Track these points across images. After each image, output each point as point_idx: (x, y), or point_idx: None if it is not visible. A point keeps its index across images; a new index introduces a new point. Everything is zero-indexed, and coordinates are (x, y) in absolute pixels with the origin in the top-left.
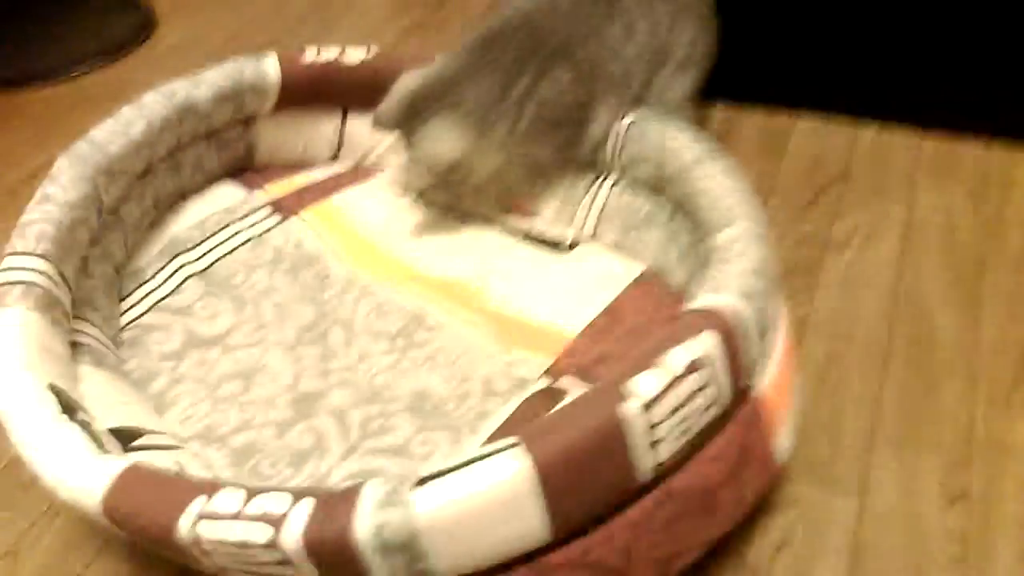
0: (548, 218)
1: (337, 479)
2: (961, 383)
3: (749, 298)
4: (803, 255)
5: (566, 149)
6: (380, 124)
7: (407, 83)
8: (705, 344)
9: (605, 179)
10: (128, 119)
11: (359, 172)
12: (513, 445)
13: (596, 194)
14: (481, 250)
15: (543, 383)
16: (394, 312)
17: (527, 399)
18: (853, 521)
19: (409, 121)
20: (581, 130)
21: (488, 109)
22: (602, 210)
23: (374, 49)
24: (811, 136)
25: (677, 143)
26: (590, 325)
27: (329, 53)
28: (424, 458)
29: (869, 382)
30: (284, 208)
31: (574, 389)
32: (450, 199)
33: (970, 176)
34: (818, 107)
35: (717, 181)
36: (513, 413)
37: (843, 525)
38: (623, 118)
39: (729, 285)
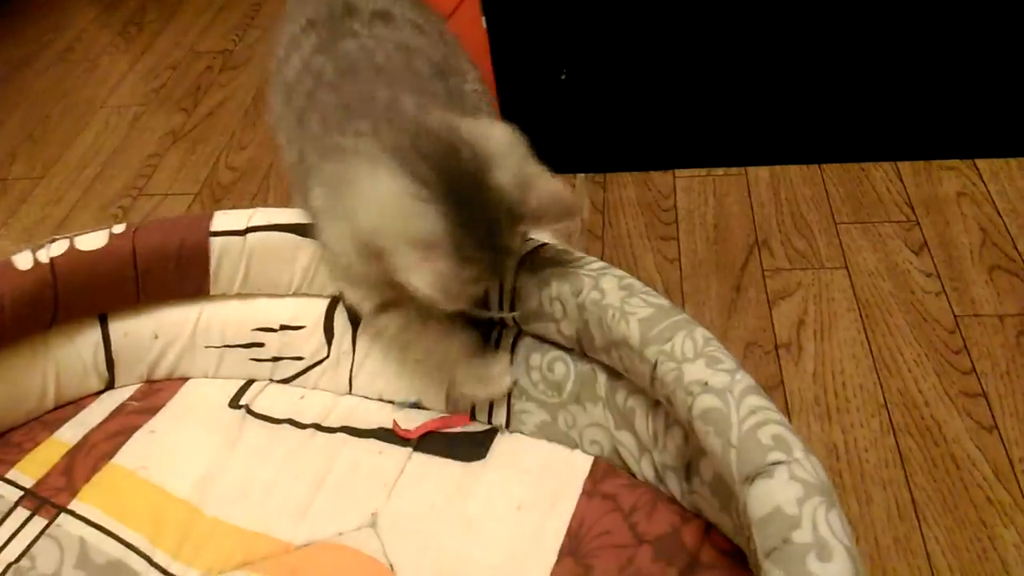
0: (437, 402)
1: None
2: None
3: None
4: (754, 373)
5: None
6: None
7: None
8: None
9: (499, 336)
10: None
11: (149, 395)
12: None
13: None
14: (362, 481)
15: None
16: None
17: None
18: None
19: None
20: None
21: None
22: (511, 384)
23: (119, 227)
24: (699, 194)
25: (603, 302)
26: None
27: (55, 248)
28: None
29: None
30: (48, 499)
31: None
32: None
33: (891, 208)
34: (696, 163)
35: (701, 377)
36: None
37: None
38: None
39: None
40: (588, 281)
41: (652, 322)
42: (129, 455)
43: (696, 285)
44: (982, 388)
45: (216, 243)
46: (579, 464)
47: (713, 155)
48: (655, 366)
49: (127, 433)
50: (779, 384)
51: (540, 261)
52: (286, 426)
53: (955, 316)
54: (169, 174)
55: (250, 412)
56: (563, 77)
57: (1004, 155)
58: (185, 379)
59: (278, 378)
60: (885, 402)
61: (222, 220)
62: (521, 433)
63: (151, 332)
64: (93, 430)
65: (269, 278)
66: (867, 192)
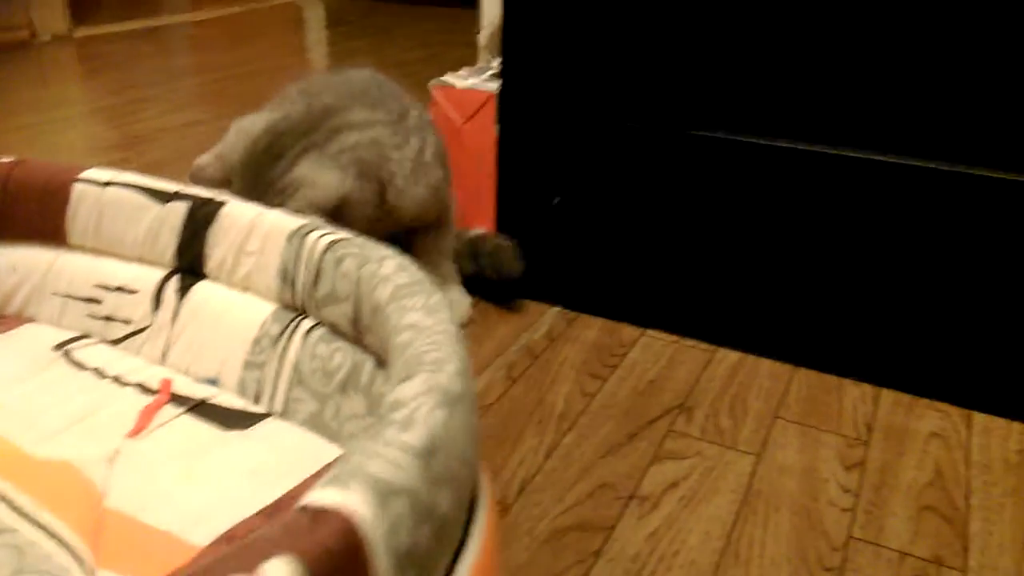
0: (231, 383)
1: None
2: None
3: (385, 499)
4: (590, 511)
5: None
6: (217, 174)
7: (253, 126)
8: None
9: (298, 324)
10: None
11: None
12: None
13: (287, 346)
14: (122, 425)
15: None
16: None
17: None
18: None
19: (261, 167)
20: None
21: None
22: (295, 369)
23: (7, 158)
24: (655, 353)
25: (378, 272)
26: (225, 534)
27: None
28: None
29: None
30: None
31: None
32: None
33: (846, 424)
34: (671, 328)
35: (414, 320)
36: None
37: None
38: (320, 234)
39: (359, 474)
40: (375, 256)
41: (407, 288)
42: None
43: (591, 421)
44: None
45: (77, 188)
46: (327, 455)
47: (692, 326)
48: (392, 323)
49: None
50: (609, 529)
51: (343, 245)
52: (89, 374)
53: (849, 536)
54: None
55: (67, 356)
56: (555, 203)
57: (1010, 416)
58: (31, 320)
59: (109, 338)
60: None
61: (92, 172)
62: (293, 423)
63: (10, 264)
64: None
65: (115, 234)
66: (830, 403)
